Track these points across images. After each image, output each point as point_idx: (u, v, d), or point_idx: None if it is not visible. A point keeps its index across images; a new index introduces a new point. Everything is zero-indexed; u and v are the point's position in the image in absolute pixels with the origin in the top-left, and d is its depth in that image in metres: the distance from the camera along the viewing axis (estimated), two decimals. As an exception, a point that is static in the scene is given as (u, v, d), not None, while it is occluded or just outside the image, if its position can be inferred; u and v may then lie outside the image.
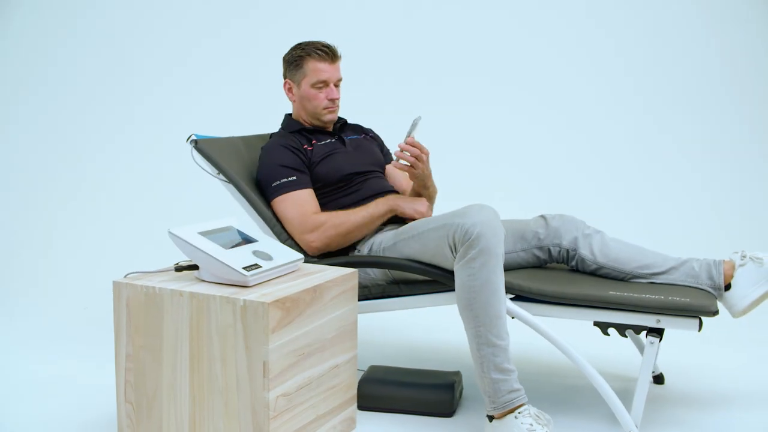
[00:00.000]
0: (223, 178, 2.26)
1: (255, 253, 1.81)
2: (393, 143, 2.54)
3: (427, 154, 2.16)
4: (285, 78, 2.38)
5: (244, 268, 1.72)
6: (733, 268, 2.04)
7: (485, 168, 4.26)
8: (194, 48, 4.31)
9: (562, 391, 2.27)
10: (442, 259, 1.97)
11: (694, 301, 1.88)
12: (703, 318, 1.88)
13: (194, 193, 3.81)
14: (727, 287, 2.04)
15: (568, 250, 2.15)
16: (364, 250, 2.20)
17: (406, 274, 2.11)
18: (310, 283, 1.78)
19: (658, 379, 2.35)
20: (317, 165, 2.28)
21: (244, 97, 4.25)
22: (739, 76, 4.34)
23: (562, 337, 1.92)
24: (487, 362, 1.86)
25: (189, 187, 3.86)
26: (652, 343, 1.87)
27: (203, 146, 2.28)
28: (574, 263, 2.16)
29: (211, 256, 1.73)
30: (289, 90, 2.38)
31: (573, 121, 4.38)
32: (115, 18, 4.27)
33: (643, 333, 1.95)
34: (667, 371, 2.43)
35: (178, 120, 4.16)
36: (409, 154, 2.13)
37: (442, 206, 2.35)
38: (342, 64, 2.37)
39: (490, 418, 1.90)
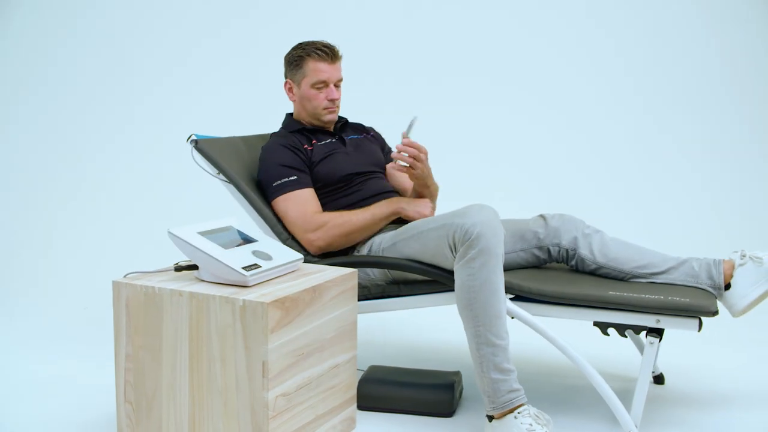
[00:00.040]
0: (223, 178, 2.26)
1: (254, 253, 1.81)
2: (393, 143, 2.54)
3: (425, 153, 2.16)
4: (286, 78, 2.39)
5: (243, 268, 1.72)
6: (732, 267, 2.04)
7: (485, 168, 4.26)
8: (194, 48, 4.31)
9: (561, 391, 2.27)
10: (442, 259, 1.97)
11: (694, 301, 1.88)
12: (702, 318, 1.88)
13: (194, 193, 3.81)
14: (727, 287, 2.04)
15: (567, 250, 2.15)
16: (363, 250, 2.20)
17: (406, 274, 2.11)
18: (309, 283, 1.78)
19: (659, 380, 2.35)
20: (317, 165, 2.28)
21: (244, 97, 4.25)
22: (739, 76, 4.34)
23: (561, 337, 1.92)
24: (487, 362, 1.86)
25: (189, 187, 3.86)
26: (651, 343, 1.87)
27: (203, 146, 2.28)
28: (573, 263, 2.16)
29: (210, 256, 1.73)
30: (290, 90, 2.38)
31: (573, 121, 4.38)
32: (115, 18, 4.27)
33: (643, 333, 1.95)
34: (667, 371, 2.42)
35: (178, 120, 4.16)
36: (406, 155, 2.13)
37: (442, 206, 2.35)
38: (342, 63, 2.37)
39: (490, 418, 1.90)
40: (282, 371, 1.67)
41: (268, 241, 1.91)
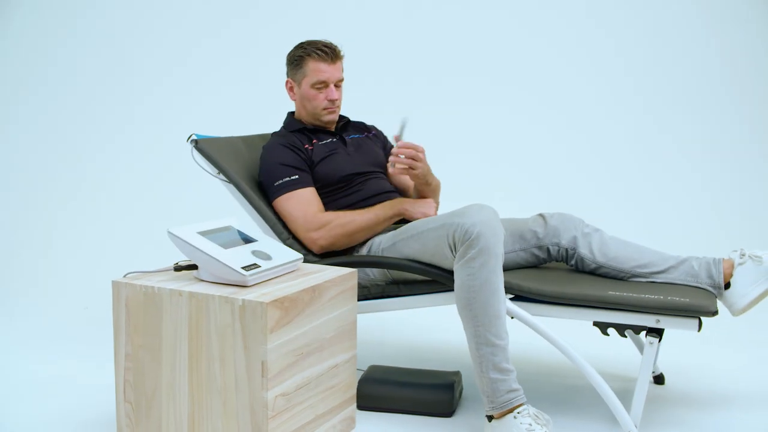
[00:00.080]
0: (223, 178, 2.26)
1: (254, 252, 1.81)
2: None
3: (422, 151, 2.15)
4: (287, 77, 2.38)
5: (243, 267, 1.72)
6: (732, 266, 2.04)
7: (485, 168, 4.26)
8: (194, 48, 4.31)
9: (561, 391, 2.27)
10: (442, 259, 1.97)
11: (694, 301, 1.88)
12: (702, 318, 1.88)
13: (194, 193, 3.81)
14: (727, 286, 2.03)
15: (567, 249, 2.15)
16: (362, 250, 2.20)
17: (406, 275, 2.11)
18: (309, 282, 1.78)
19: (659, 380, 2.34)
20: (317, 165, 2.28)
21: (244, 97, 4.25)
22: (739, 76, 4.34)
23: (561, 337, 1.92)
24: (486, 362, 1.86)
25: (189, 187, 3.86)
26: (651, 343, 1.87)
27: (203, 146, 2.28)
28: (573, 262, 2.16)
29: (210, 255, 1.72)
30: (291, 89, 2.38)
31: (573, 121, 4.38)
32: (115, 18, 4.27)
33: (643, 333, 1.95)
34: (667, 371, 2.42)
35: (178, 120, 4.16)
36: (404, 156, 2.12)
37: (442, 206, 2.36)
38: (343, 63, 2.36)
39: (490, 418, 1.90)
40: (281, 371, 1.67)
41: (267, 241, 1.91)
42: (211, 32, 4.32)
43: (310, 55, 2.29)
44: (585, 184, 4.26)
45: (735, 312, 2.04)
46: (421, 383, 2.12)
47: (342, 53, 2.34)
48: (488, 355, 1.86)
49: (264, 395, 1.63)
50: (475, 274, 1.85)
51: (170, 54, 4.30)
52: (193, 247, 1.74)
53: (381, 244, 2.16)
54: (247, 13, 4.33)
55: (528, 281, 2.00)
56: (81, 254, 3.74)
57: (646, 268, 2.08)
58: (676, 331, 1.94)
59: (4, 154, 4.06)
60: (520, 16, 4.37)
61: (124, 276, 1.83)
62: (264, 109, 3.36)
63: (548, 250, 2.17)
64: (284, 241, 2.20)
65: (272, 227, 2.22)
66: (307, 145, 2.31)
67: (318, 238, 2.16)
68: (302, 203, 2.19)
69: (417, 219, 2.17)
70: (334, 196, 2.28)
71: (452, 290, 1.94)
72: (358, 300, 2.15)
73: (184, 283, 1.76)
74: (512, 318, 1.98)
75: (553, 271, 2.16)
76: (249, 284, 1.72)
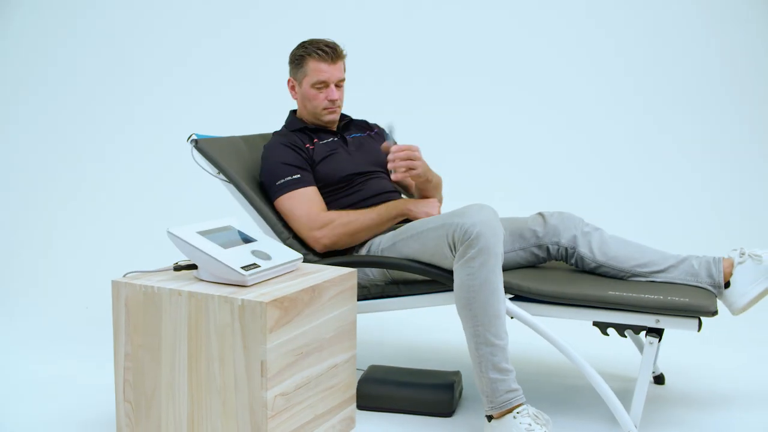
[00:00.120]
0: (224, 178, 2.26)
1: (254, 252, 1.81)
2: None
3: (417, 149, 2.15)
4: (289, 75, 2.38)
5: (242, 267, 1.72)
6: (732, 265, 2.04)
7: (485, 168, 4.26)
8: (194, 48, 4.31)
9: (561, 391, 2.27)
10: (442, 259, 1.97)
11: (694, 301, 1.88)
12: (702, 318, 1.88)
13: (194, 193, 3.81)
14: (727, 285, 2.03)
15: (566, 249, 2.14)
16: (362, 250, 2.19)
17: (405, 275, 2.11)
18: (308, 282, 1.78)
19: (659, 380, 2.34)
20: (318, 165, 2.28)
21: (244, 98, 4.25)
22: (739, 76, 4.34)
23: (561, 337, 1.92)
24: (486, 362, 1.86)
25: (189, 187, 3.86)
26: (651, 343, 1.87)
27: (203, 146, 2.27)
28: (573, 261, 2.15)
29: (209, 255, 1.72)
30: (292, 88, 2.38)
31: (573, 121, 4.38)
32: (115, 18, 4.27)
33: (643, 333, 1.95)
34: (667, 371, 2.42)
35: (178, 120, 4.16)
36: (401, 160, 2.11)
37: (443, 207, 2.35)
38: (345, 62, 2.36)
39: (489, 418, 1.90)
40: (281, 371, 1.67)
41: (267, 241, 1.91)
42: (211, 32, 4.32)
43: (310, 55, 2.29)
44: (585, 183, 4.26)
45: (735, 311, 2.04)
46: (421, 383, 2.12)
47: (344, 53, 2.34)
48: (487, 355, 1.86)
49: (263, 395, 1.63)
50: (474, 274, 1.85)
51: (170, 54, 4.30)
52: (193, 246, 1.74)
53: (381, 244, 2.15)
54: (247, 13, 4.33)
55: (528, 281, 1.99)
56: (81, 254, 3.74)
57: (646, 267, 2.08)
58: (676, 331, 1.94)
59: (4, 154, 4.06)
60: (520, 16, 4.37)
61: (124, 276, 1.83)
62: (264, 109, 3.36)
63: (548, 249, 2.17)
64: (284, 241, 2.20)
65: (272, 227, 2.22)
66: (308, 145, 2.30)
67: (321, 237, 2.15)
68: (304, 202, 2.19)
69: (420, 218, 2.17)
70: (334, 196, 2.28)
71: (452, 290, 1.94)
72: (358, 300, 2.15)
73: (184, 283, 1.76)
74: (512, 318, 1.98)
75: (553, 271, 2.16)
76: (248, 284, 1.72)
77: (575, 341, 2.05)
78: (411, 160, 2.12)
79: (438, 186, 2.32)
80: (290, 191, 2.21)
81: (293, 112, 2.44)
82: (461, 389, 2.21)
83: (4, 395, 2.23)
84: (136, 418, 1.80)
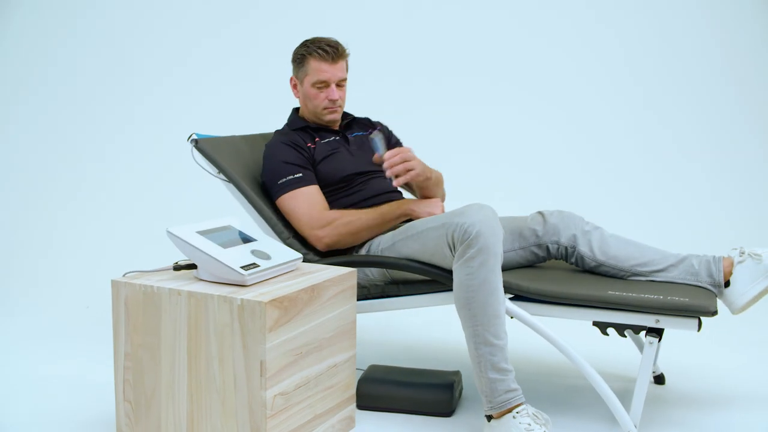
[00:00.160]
0: (224, 178, 2.26)
1: (253, 252, 1.81)
2: (399, 137, 2.54)
3: (408, 150, 2.12)
4: (292, 74, 2.37)
5: (242, 267, 1.72)
6: (732, 264, 2.04)
7: (485, 168, 4.26)
8: (194, 48, 4.31)
9: (561, 391, 2.27)
10: (441, 259, 1.97)
11: (693, 300, 1.87)
12: (702, 318, 1.88)
13: (194, 193, 3.81)
14: (726, 284, 2.03)
15: (566, 248, 2.14)
16: (362, 250, 2.19)
17: (405, 275, 2.11)
18: (308, 282, 1.78)
19: (659, 380, 2.34)
20: (319, 164, 2.27)
21: (243, 98, 4.25)
22: (741, 74, 4.33)
23: (561, 337, 1.92)
24: (485, 362, 1.86)
25: (189, 187, 3.86)
26: (651, 343, 1.86)
27: (203, 145, 2.27)
28: (573, 260, 2.15)
29: (209, 255, 1.72)
30: (294, 86, 2.37)
31: (573, 120, 4.38)
32: (115, 18, 4.27)
33: (643, 333, 1.95)
34: (667, 371, 2.42)
35: (178, 120, 4.16)
36: (396, 164, 2.07)
37: (445, 202, 2.35)
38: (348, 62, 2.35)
39: (489, 417, 1.90)
40: (280, 370, 1.67)
41: (267, 241, 1.91)
42: (211, 32, 4.32)
43: (311, 54, 2.28)
44: (586, 183, 4.26)
45: (734, 310, 2.04)
46: (421, 383, 2.12)
47: (346, 52, 2.32)
48: (487, 355, 1.85)
49: (263, 394, 1.63)
50: (473, 274, 1.85)
51: (170, 54, 4.30)
52: (192, 246, 1.74)
53: (380, 244, 2.15)
54: (247, 13, 4.33)
55: (527, 281, 1.99)
56: (81, 254, 3.74)
57: (646, 266, 2.07)
58: (676, 330, 1.94)
59: (4, 154, 4.06)
60: (520, 16, 4.37)
61: (124, 275, 1.83)
62: (264, 109, 3.36)
63: (548, 248, 2.16)
64: (284, 241, 2.20)
65: (272, 227, 2.22)
66: (309, 144, 2.30)
67: (323, 236, 2.15)
68: (307, 201, 2.19)
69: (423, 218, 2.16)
70: (335, 196, 2.27)
71: (452, 290, 1.94)
72: (358, 300, 2.14)
73: (184, 283, 1.76)
74: (512, 318, 1.98)
75: (553, 271, 2.16)
76: (248, 284, 1.72)
77: (575, 341, 2.05)
78: (406, 161, 2.09)
79: (439, 182, 2.30)
80: (292, 190, 2.20)
81: (296, 110, 2.43)
82: (461, 389, 2.21)
83: (4, 395, 2.23)
84: (136, 418, 1.80)
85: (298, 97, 2.38)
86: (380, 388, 2.12)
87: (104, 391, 2.23)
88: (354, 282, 1.95)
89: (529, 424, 1.81)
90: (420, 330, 2.90)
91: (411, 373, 2.18)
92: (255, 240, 1.88)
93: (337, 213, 2.17)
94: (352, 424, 2.01)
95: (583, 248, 2.12)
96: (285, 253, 1.88)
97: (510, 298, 1.98)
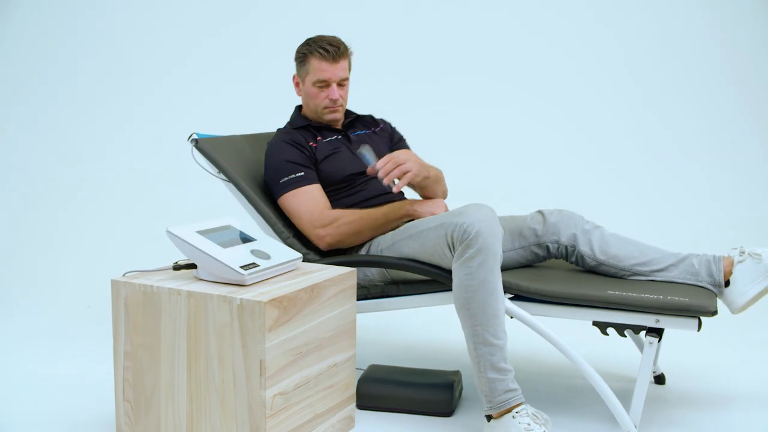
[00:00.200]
0: (224, 178, 2.26)
1: (253, 252, 1.81)
2: (401, 134, 2.54)
3: (399, 154, 2.07)
4: (295, 72, 2.37)
5: (241, 267, 1.72)
6: (732, 264, 2.03)
7: (485, 168, 4.26)
8: (194, 48, 4.31)
9: (561, 391, 2.27)
10: (441, 258, 1.97)
11: (693, 300, 1.87)
12: (702, 318, 1.88)
13: (195, 193, 3.81)
14: (727, 284, 2.03)
15: (566, 247, 2.14)
16: (362, 251, 2.19)
17: (405, 274, 2.10)
18: (307, 282, 1.78)
19: (660, 380, 2.34)
20: (320, 164, 2.27)
21: (244, 98, 4.25)
22: (741, 73, 4.33)
23: (561, 337, 1.92)
24: (484, 361, 1.86)
25: (189, 187, 3.86)
26: (651, 343, 1.86)
27: (204, 145, 2.27)
28: (573, 259, 2.15)
29: (208, 255, 1.72)
30: (297, 85, 2.37)
31: (573, 120, 4.38)
32: (115, 18, 4.27)
33: (643, 332, 1.94)
34: (667, 371, 2.42)
35: (178, 120, 4.16)
36: (391, 171, 2.03)
37: (447, 198, 2.35)
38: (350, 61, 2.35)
39: (488, 417, 1.89)
40: (279, 370, 1.67)
41: (267, 241, 1.91)
42: (211, 32, 4.32)
43: (312, 53, 2.27)
44: (586, 183, 4.26)
45: (734, 310, 2.03)
46: (421, 383, 2.11)
47: (349, 51, 2.31)
48: (486, 355, 1.85)
49: (262, 394, 1.63)
50: (473, 274, 1.85)
51: (170, 54, 4.30)
52: (192, 246, 1.74)
53: (380, 245, 2.15)
54: (247, 13, 4.33)
55: (527, 281, 1.99)
56: (81, 254, 3.74)
57: (646, 266, 2.07)
58: (676, 330, 1.94)
59: (5, 154, 4.06)
60: (520, 16, 4.37)
61: (123, 275, 1.83)
62: (265, 109, 3.36)
63: (548, 248, 2.16)
64: (285, 240, 2.20)
65: (273, 227, 2.22)
66: (311, 143, 2.29)
67: (325, 235, 2.15)
68: (309, 200, 2.19)
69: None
70: (337, 196, 2.27)
71: (451, 290, 1.94)
72: (358, 300, 2.14)
73: (183, 282, 1.76)
74: (512, 318, 1.98)
75: (553, 271, 2.15)
76: (247, 283, 1.72)
77: (575, 341, 2.05)
78: (399, 164, 2.04)
79: (438, 179, 2.29)
80: (294, 189, 2.20)
81: (299, 108, 2.42)
82: (461, 389, 2.21)
83: (4, 394, 2.23)
84: (136, 417, 1.80)
85: (301, 95, 2.38)
86: (380, 388, 2.12)
87: (104, 391, 2.23)
88: (354, 282, 1.95)
89: (529, 424, 1.81)
90: (420, 330, 2.90)
91: (411, 373, 2.18)
92: (255, 240, 1.88)
93: (339, 212, 2.17)
94: (352, 424, 2.01)
95: (583, 247, 2.11)
96: (285, 253, 1.88)
97: (510, 298, 1.98)
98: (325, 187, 2.26)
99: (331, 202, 2.24)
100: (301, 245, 2.21)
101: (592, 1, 4.36)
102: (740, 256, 2.03)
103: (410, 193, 2.48)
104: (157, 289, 1.73)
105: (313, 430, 1.82)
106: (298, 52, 2.33)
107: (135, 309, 1.76)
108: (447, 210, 2.22)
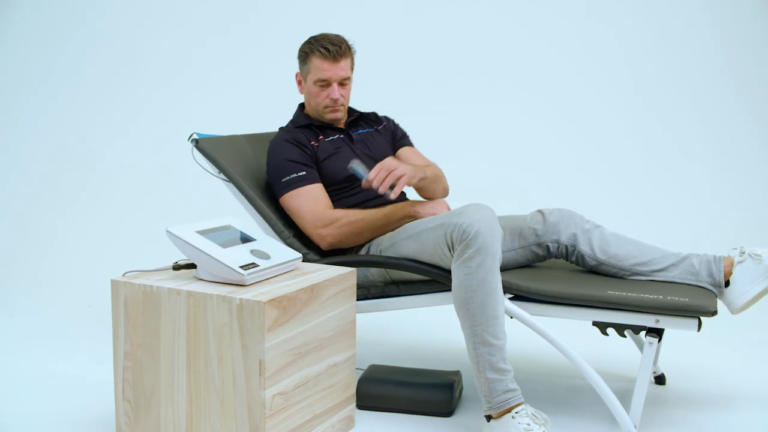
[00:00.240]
0: (224, 178, 2.25)
1: (253, 252, 1.81)
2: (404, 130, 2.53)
3: (388, 161, 2.04)
4: (298, 70, 2.37)
5: (241, 267, 1.72)
6: (732, 264, 2.03)
7: (485, 168, 4.26)
8: (198, 48, 4.32)
9: (561, 391, 2.27)
10: (440, 259, 1.97)
11: (693, 300, 1.87)
12: (702, 318, 1.88)
13: (196, 192, 3.81)
14: (727, 284, 2.03)
15: (566, 246, 2.13)
16: (362, 251, 2.19)
17: (404, 275, 2.10)
18: (307, 282, 1.78)
19: (660, 380, 2.34)
20: (322, 163, 2.26)
21: (247, 98, 4.25)
22: (741, 74, 4.33)
23: (560, 337, 1.92)
24: (483, 362, 1.86)
25: (190, 187, 3.86)
26: (651, 343, 1.86)
27: (204, 145, 2.27)
28: (573, 259, 2.14)
29: (208, 254, 1.72)
30: (299, 83, 2.36)
31: (573, 120, 4.38)
32: (120, 19, 4.28)
33: (643, 333, 1.94)
34: (667, 371, 2.42)
35: (180, 120, 4.16)
36: (384, 179, 2.01)
37: (449, 195, 2.35)
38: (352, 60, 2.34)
39: (488, 417, 1.89)
40: (279, 370, 1.67)
41: (266, 240, 1.91)
42: (215, 32, 4.32)
43: (314, 52, 2.26)
44: (586, 183, 4.26)
45: (734, 310, 2.03)
46: (421, 383, 2.11)
47: (351, 50, 2.30)
48: (485, 355, 1.85)
49: (261, 394, 1.63)
50: (472, 274, 1.85)
51: (174, 54, 4.31)
52: (192, 246, 1.74)
53: (380, 245, 2.15)
54: (248, 16, 4.33)
55: (527, 281, 1.99)
56: (82, 254, 3.74)
57: (646, 266, 2.07)
58: (676, 330, 1.94)
59: (5, 154, 4.06)
60: (520, 16, 4.37)
61: (123, 275, 1.83)
62: (267, 109, 3.36)
63: (548, 247, 2.15)
64: (285, 240, 2.20)
65: (273, 226, 2.22)
66: (313, 142, 2.29)
67: (326, 235, 2.15)
68: (310, 200, 2.18)
69: None
70: (338, 196, 2.26)
71: (451, 290, 1.94)
72: (358, 300, 2.14)
73: (183, 282, 1.76)
74: (512, 318, 1.98)
75: (553, 271, 2.15)
76: (247, 283, 1.72)
77: (575, 341, 2.05)
78: (392, 171, 2.01)
79: (437, 179, 2.28)
80: (295, 188, 2.20)
81: (301, 106, 2.41)
82: (461, 389, 2.21)
83: (4, 394, 2.23)
84: (135, 417, 1.80)
85: (303, 93, 2.37)
86: (380, 388, 2.12)
87: (104, 391, 2.23)
88: (354, 282, 1.95)
89: (528, 424, 1.81)
90: (420, 330, 2.90)
91: (411, 373, 2.18)
92: (254, 240, 1.88)
93: (340, 212, 2.16)
94: (352, 424, 2.01)
95: (583, 247, 2.11)
96: (284, 253, 1.88)
97: (510, 298, 1.98)
98: (327, 187, 2.25)
99: (333, 201, 2.24)
100: (302, 245, 2.21)
101: (592, 1, 4.36)
102: (740, 256, 2.02)
103: (411, 194, 2.49)
104: (157, 289, 1.73)
105: (313, 430, 1.82)
106: (300, 50, 2.32)
107: (135, 309, 1.76)
108: (449, 209, 2.22)
